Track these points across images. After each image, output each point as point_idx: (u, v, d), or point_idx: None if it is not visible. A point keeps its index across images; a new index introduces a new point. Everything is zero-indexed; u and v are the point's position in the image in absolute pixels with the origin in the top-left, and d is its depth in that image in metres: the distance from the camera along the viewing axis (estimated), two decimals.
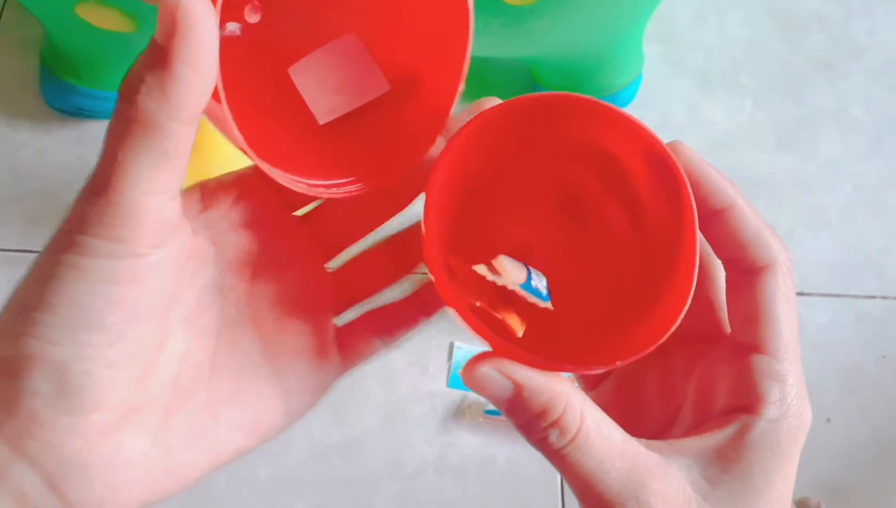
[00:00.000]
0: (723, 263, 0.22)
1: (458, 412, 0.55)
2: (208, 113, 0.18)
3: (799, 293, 0.60)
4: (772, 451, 0.20)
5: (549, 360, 0.20)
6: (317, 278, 0.23)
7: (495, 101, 0.21)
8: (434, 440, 0.55)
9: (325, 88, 0.24)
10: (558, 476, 0.54)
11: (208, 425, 0.20)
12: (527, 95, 0.21)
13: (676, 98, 0.67)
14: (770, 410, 0.20)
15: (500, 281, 0.21)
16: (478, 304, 0.21)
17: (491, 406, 0.54)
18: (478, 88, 0.65)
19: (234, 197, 0.22)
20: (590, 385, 0.26)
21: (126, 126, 0.16)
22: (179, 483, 0.19)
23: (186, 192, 0.21)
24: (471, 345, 0.57)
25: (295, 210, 0.23)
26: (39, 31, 0.63)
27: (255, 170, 0.20)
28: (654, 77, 0.67)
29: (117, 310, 0.17)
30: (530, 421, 0.20)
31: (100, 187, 0.17)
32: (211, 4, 0.17)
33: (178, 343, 0.20)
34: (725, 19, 0.70)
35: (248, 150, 0.19)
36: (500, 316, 0.22)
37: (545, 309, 0.22)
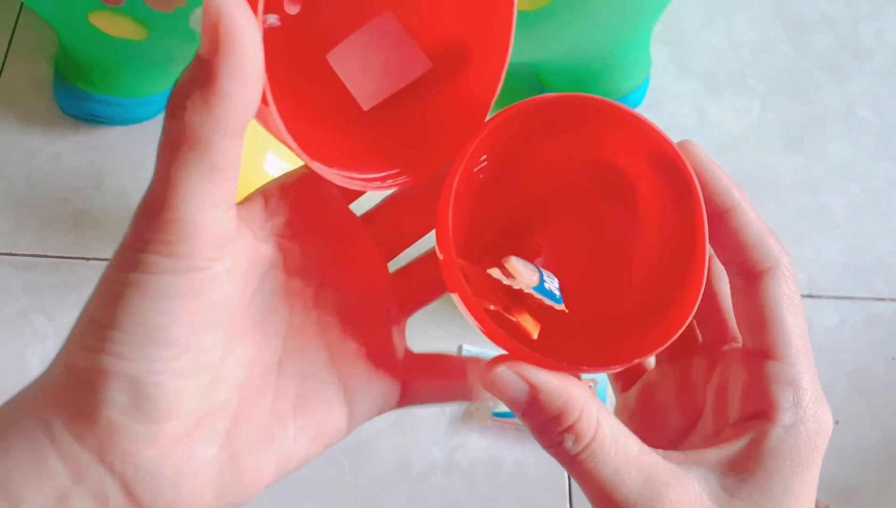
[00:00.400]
0: (724, 267, 0.22)
1: (467, 415, 0.56)
2: (256, 115, 0.18)
3: (807, 296, 0.60)
4: (790, 458, 0.20)
5: (564, 362, 0.20)
6: (381, 283, 0.23)
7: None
8: (442, 443, 0.55)
9: (367, 71, 0.23)
10: (566, 479, 0.54)
11: (275, 430, 0.20)
12: (538, 97, 0.21)
13: (684, 100, 0.67)
14: (785, 416, 0.20)
15: (513, 284, 0.21)
16: (492, 307, 0.21)
17: (499, 409, 0.55)
18: None
19: (296, 200, 0.22)
20: (621, 387, 0.26)
21: (175, 143, 0.17)
22: (248, 491, 0.20)
23: (249, 199, 0.21)
24: (479, 348, 0.57)
25: (351, 203, 0.23)
26: (53, 38, 0.64)
27: (313, 170, 0.20)
28: (662, 79, 0.67)
29: (181, 323, 0.18)
30: (546, 425, 0.20)
31: (156, 205, 0.17)
32: (253, 17, 0.16)
33: (246, 348, 0.20)
34: (733, 21, 0.70)
35: (299, 150, 0.19)
36: (514, 319, 0.22)
37: (559, 311, 0.22)
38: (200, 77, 0.16)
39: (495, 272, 0.21)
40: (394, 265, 0.24)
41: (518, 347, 0.20)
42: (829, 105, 0.67)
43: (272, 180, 0.22)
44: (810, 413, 0.20)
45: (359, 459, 0.55)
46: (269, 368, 0.21)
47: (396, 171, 0.22)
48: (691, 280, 0.21)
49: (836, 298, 0.60)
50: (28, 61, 0.66)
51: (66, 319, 0.58)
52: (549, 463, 0.54)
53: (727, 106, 0.67)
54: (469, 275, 0.21)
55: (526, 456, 0.54)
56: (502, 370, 0.19)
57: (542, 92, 0.65)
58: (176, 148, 0.17)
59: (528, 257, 0.24)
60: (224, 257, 0.18)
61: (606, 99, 0.21)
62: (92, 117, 0.63)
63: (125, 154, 0.63)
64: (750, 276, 0.21)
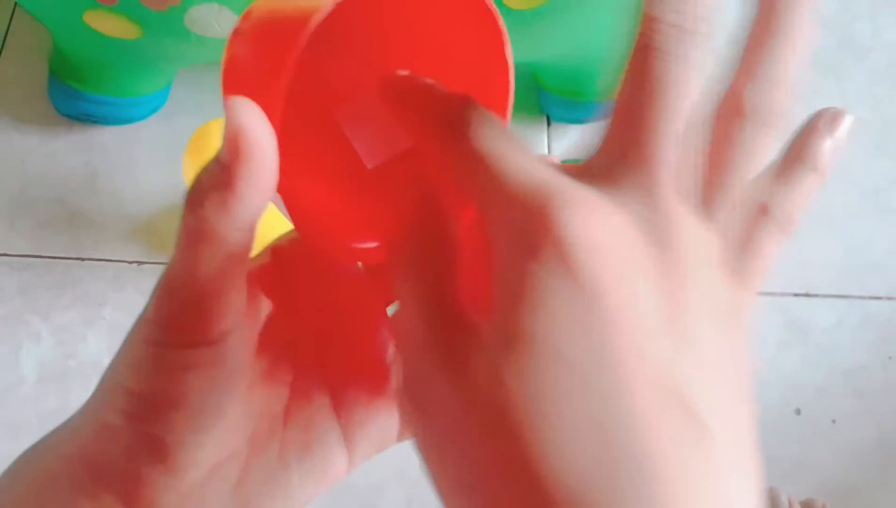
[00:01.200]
0: None
1: None
2: None
3: (804, 295, 0.60)
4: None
5: None
6: (379, 330, 0.24)
7: None
8: None
9: (374, 129, 0.23)
10: None
11: (281, 476, 0.22)
12: None
13: None
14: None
15: None
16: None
17: None
18: None
19: (303, 255, 0.23)
20: None
21: (193, 236, 0.18)
22: None
23: (259, 256, 0.23)
24: None
25: None
26: (48, 38, 0.64)
27: None
28: None
29: (198, 391, 0.19)
30: None
31: (175, 287, 0.19)
32: (271, 127, 0.17)
33: (256, 397, 0.22)
34: (728, 20, 0.70)
35: (301, 226, 0.20)
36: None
37: None
38: (220, 180, 0.18)
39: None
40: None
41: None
42: (826, 104, 0.67)
43: (282, 236, 0.23)
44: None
45: None
46: (277, 417, 0.22)
47: (378, 243, 0.22)
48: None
49: (833, 297, 0.60)
50: (22, 61, 0.66)
51: (60, 319, 0.58)
52: None
53: None
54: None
55: None
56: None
57: (539, 92, 0.65)
58: (194, 240, 0.18)
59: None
60: (237, 329, 0.20)
61: None
62: (86, 117, 0.63)
63: (120, 154, 0.63)
64: None
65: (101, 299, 0.58)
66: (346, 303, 0.24)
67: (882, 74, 0.68)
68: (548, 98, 0.64)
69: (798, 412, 0.57)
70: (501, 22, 0.22)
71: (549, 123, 0.65)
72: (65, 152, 0.63)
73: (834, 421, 0.56)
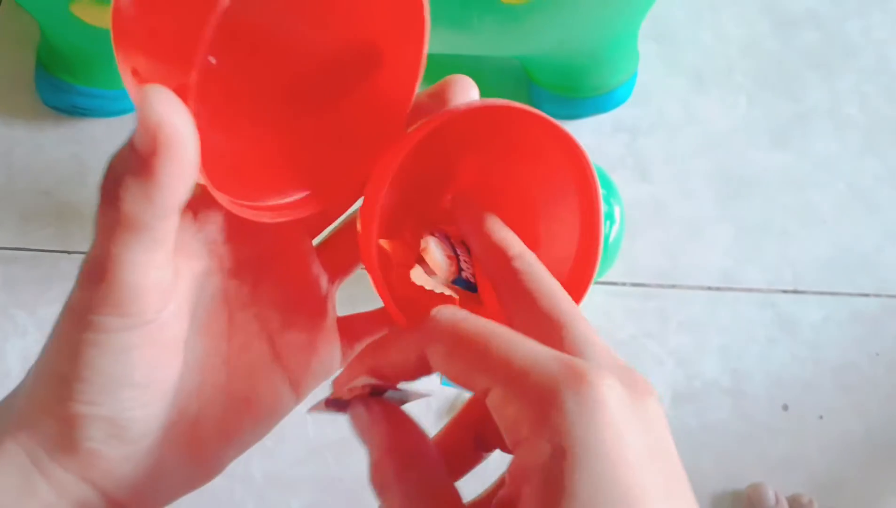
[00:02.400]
0: None
1: (452, 410, 0.55)
2: None
3: (792, 291, 0.61)
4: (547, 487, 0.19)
5: None
6: (309, 262, 0.24)
7: (463, 84, 0.23)
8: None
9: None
10: None
11: (231, 425, 0.23)
12: (460, 107, 0.22)
13: (671, 96, 0.67)
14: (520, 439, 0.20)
15: (435, 287, 0.22)
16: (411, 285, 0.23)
17: None
18: None
19: (222, 206, 0.22)
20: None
21: (113, 226, 0.18)
22: (212, 474, 0.23)
23: (181, 217, 0.22)
24: None
25: None
26: (35, 29, 0.63)
27: None
28: (649, 75, 0.67)
29: (140, 368, 0.20)
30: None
31: (100, 275, 0.18)
32: (189, 115, 0.17)
33: (196, 352, 0.22)
34: (720, 17, 0.70)
35: (219, 194, 0.20)
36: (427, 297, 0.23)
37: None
38: (138, 169, 0.17)
39: (417, 275, 0.22)
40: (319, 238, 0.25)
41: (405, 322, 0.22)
42: (815, 102, 0.67)
43: (196, 189, 0.22)
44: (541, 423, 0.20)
45: (343, 455, 0.54)
46: (219, 370, 0.23)
47: (306, 194, 0.22)
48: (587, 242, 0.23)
49: (821, 293, 0.60)
50: (9, 52, 0.66)
51: (47, 313, 0.57)
52: None
53: (714, 102, 0.67)
54: (387, 248, 0.23)
55: None
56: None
57: (531, 87, 0.64)
58: (115, 230, 0.18)
59: (444, 221, 0.25)
60: (169, 304, 0.20)
61: (519, 105, 0.23)
62: (74, 109, 0.62)
63: (108, 147, 0.62)
64: None
65: None
66: (271, 244, 0.23)
67: (871, 72, 0.69)
68: (539, 93, 0.64)
69: (785, 407, 0.57)
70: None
71: None
72: (52, 145, 0.62)
73: (821, 417, 0.57)
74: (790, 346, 0.59)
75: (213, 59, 0.22)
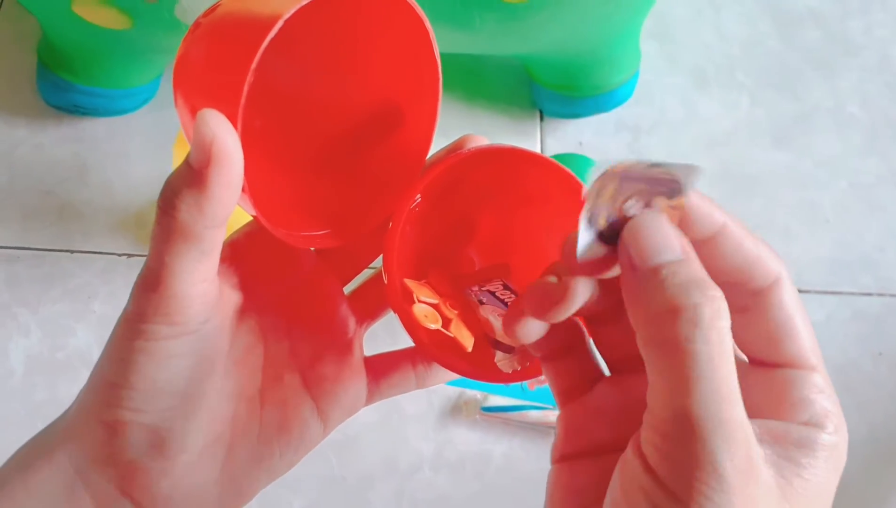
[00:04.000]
0: (724, 289, 0.20)
1: (455, 409, 0.55)
2: None
3: None
4: (836, 467, 0.19)
5: (492, 373, 0.24)
6: (339, 305, 0.26)
7: (477, 140, 0.25)
8: (430, 437, 0.55)
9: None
10: None
11: (263, 452, 0.24)
12: (468, 150, 0.24)
13: (673, 95, 0.67)
14: (831, 426, 0.20)
15: (437, 324, 0.24)
16: (432, 326, 0.25)
17: (488, 403, 0.54)
18: (474, 86, 0.65)
19: (260, 246, 0.25)
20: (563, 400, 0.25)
21: (168, 235, 0.20)
22: (244, 499, 0.24)
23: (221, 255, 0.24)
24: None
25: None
26: (36, 28, 0.63)
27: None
28: (651, 74, 0.67)
29: (183, 377, 0.21)
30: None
31: (153, 284, 0.21)
32: (237, 136, 0.20)
33: (232, 383, 0.24)
34: (722, 16, 0.70)
35: (267, 223, 0.22)
36: (451, 334, 0.25)
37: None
38: (192, 182, 0.19)
39: (420, 312, 0.25)
40: (349, 286, 0.28)
41: (448, 359, 0.23)
42: (817, 100, 0.67)
43: (237, 230, 0.25)
44: (843, 424, 0.20)
45: (346, 454, 0.54)
46: (254, 399, 0.24)
47: (327, 231, 0.25)
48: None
49: (824, 292, 0.60)
50: (10, 51, 0.66)
51: (49, 312, 0.57)
52: (537, 458, 0.54)
53: (716, 101, 0.67)
54: (412, 291, 0.25)
55: (514, 451, 0.54)
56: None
57: (532, 87, 0.65)
58: (169, 239, 0.20)
59: (466, 268, 0.28)
60: (212, 318, 0.22)
61: (525, 149, 0.24)
62: (76, 108, 0.62)
63: (110, 146, 0.62)
64: (756, 293, 0.20)
65: (90, 291, 0.58)
66: (305, 287, 0.26)
67: (873, 70, 0.69)
68: (541, 92, 0.64)
69: None
70: (427, 22, 0.24)
71: (542, 118, 0.65)
72: (53, 144, 0.62)
73: None
74: None
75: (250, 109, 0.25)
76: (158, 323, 0.21)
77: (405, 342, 0.25)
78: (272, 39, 0.20)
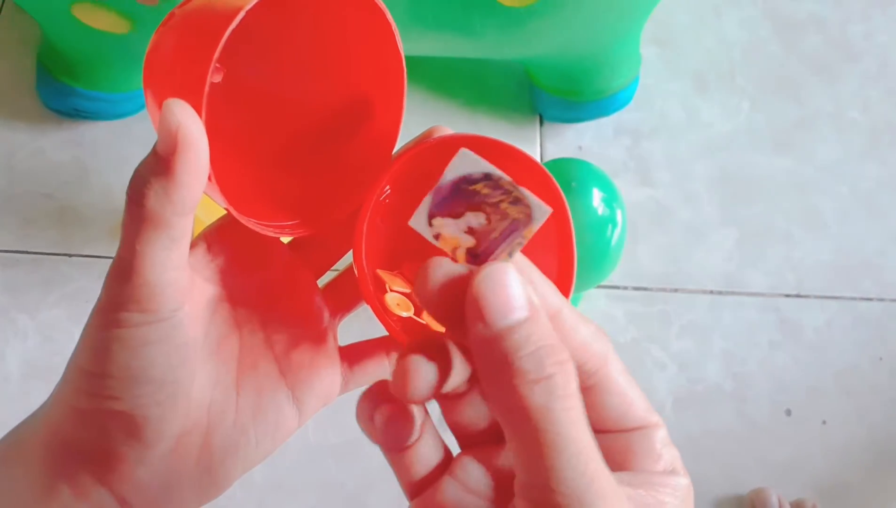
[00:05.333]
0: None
1: None
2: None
3: (795, 295, 0.60)
4: (690, 506, 0.22)
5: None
6: (313, 297, 0.26)
7: (444, 130, 0.25)
8: None
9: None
10: None
11: (240, 439, 0.24)
12: (436, 139, 0.25)
13: (673, 100, 0.67)
14: (683, 470, 0.22)
15: (410, 311, 0.25)
16: (405, 314, 0.25)
17: None
18: (476, 90, 0.65)
19: (233, 239, 0.25)
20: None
21: (138, 223, 0.20)
22: (221, 488, 0.24)
23: (193, 245, 0.24)
24: None
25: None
26: (36, 32, 0.63)
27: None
28: (652, 79, 0.67)
29: (157, 364, 0.22)
30: None
31: (125, 273, 0.21)
32: (202, 124, 0.20)
33: (208, 373, 0.24)
34: (723, 21, 0.70)
35: (235, 211, 0.23)
36: (423, 321, 0.25)
37: None
38: (159, 170, 0.20)
39: (392, 300, 0.25)
40: (323, 280, 0.28)
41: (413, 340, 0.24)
42: (818, 106, 0.67)
43: (211, 224, 0.25)
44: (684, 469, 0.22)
45: (345, 459, 0.54)
46: (229, 387, 0.25)
47: (297, 221, 0.25)
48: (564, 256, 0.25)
49: (824, 297, 0.60)
50: (11, 55, 0.66)
51: (47, 317, 0.57)
52: None
53: (717, 106, 0.67)
54: (384, 283, 0.25)
55: None
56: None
57: (533, 91, 0.64)
58: (139, 228, 0.20)
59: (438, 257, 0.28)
60: (184, 306, 0.22)
61: (495, 139, 0.24)
62: (76, 112, 0.62)
63: (110, 150, 0.62)
64: (591, 374, 0.22)
65: (88, 296, 0.58)
66: (279, 280, 0.26)
67: (874, 76, 0.69)
68: (541, 97, 0.64)
69: (789, 412, 0.57)
70: (391, 21, 0.24)
71: (541, 123, 0.65)
72: (53, 148, 0.62)
73: (824, 422, 0.56)
74: (793, 350, 0.59)
75: (217, 77, 0.25)
76: (131, 311, 0.21)
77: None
78: (236, 31, 0.20)
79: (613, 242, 0.47)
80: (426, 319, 0.25)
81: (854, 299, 0.60)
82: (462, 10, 0.51)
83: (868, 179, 0.65)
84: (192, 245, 0.25)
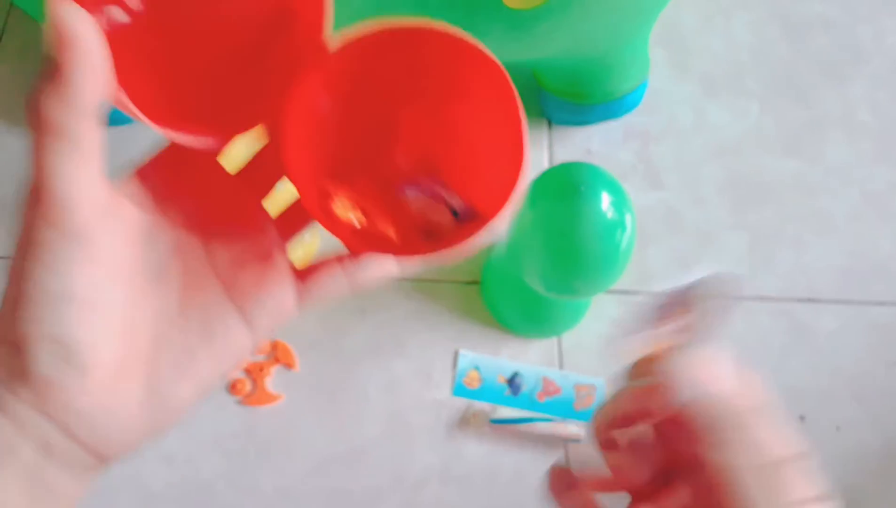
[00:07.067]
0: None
1: (463, 421, 0.55)
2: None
3: (807, 300, 0.60)
4: None
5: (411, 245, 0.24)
6: (258, 218, 0.26)
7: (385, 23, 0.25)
8: (438, 450, 0.54)
9: None
10: None
11: (187, 361, 0.24)
12: (371, 30, 0.24)
13: (682, 103, 0.66)
14: None
15: (358, 220, 0.25)
16: (353, 220, 0.25)
17: (496, 415, 0.54)
18: None
19: (169, 168, 0.25)
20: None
21: (40, 136, 0.20)
22: (173, 416, 0.24)
23: (126, 177, 0.25)
24: (476, 352, 0.56)
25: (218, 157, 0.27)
26: (39, 38, 0.63)
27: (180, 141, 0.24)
28: (660, 81, 0.66)
29: (79, 283, 0.21)
30: None
31: (35, 193, 0.21)
32: (91, 19, 0.20)
33: (151, 299, 0.24)
34: (731, 23, 0.70)
35: (149, 120, 0.23)
36: (375, 227, 0.26)
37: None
38: (50, 74, 0.20)
39: (339, 207, 0.25)
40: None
41: (373, 246, 0.25)
42: (827, 108, 0.67)
43: (145, 156, 0.25)
44: None
45: (353, 467, 0.54)
46: (174, 313, 0.24)
47: (214, 130, 0.25)
48: (513, 164, 0.25)
49: (836, 302, 0.60)
50: (14, 61, 0.65)
51: None
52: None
53: (725, 108, 0.66)
54: (331, 192, 0.25)
55: (524, 464, 0.54)
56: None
57: (539, 93, 0.64)
58: (41, 140, 0.20)
59: (391, 169, 0.28)
60: (106, 225, 0.22)
61: (434, 27, 0.24)
62: None
63: (112, 155, 0.62)
64: None
65: None
66: (219, 202, 0.26)
67: (884, 78, 0.68)
68: (549, 100, 0.63)
69: (802, 418, 0.56)
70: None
71: (549, 126, 0.64)
72: None
73: (838, 428, 0.56)
74: (806, 356, 0.58)
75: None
76: (45, 229, 0.21)
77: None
78: None
79: (623, 246, 0.46)
80: (378, 224, 0.25)
81: (867, 303, 0.60)
82: (467, 13, 0.51)
83: (879, 181, 0.64)
84: (126, 177, 0.25)
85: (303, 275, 0.27)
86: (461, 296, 0.58)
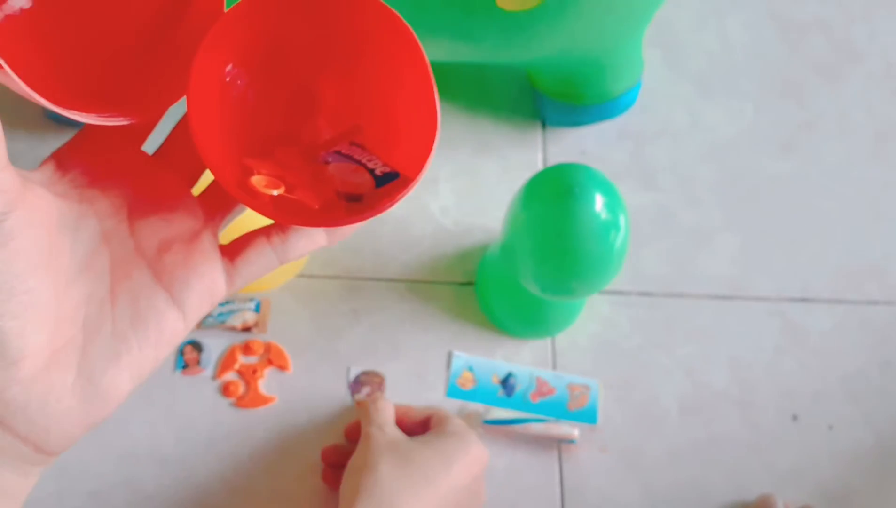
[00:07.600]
0: None
1: None
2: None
3: (801, 299, 0.60)
4: None
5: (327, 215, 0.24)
6: (184, 202, 0.27)
7: None
8: None
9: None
10: (558, 487, 0.53)
11: (120, 348, 0.24)
12: None
13: (677, 103, 0.66)
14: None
15: (280, 190, 0.25)
16: (276, 193, 0.25)
17: (490, 416, 0.54)
18: (476, 94, 0.65)
19: (87, 154, 0.25)
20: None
21: None
22: (111, 403, 0.24)
23: (42, 164, 0.25)
24: (469, 353, 0.56)
25: (141, 145, 0.27)
26: None
27: (98, 127, 0.24)
28: (655, 82, 0.66)
29: (1, 275, 0.21)
30: None
31: None
32: None
33: (80, 288, 0.24)
34: (725, 23, 0.70)
35: (44, 100, 0.22)
36: (296, 197, 0.26)
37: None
38: None
39: (259, 182, 0.25)
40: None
41: (296, 218, 0.25)
42: (822, 108, 0.67)
43: (64, 144, 0.25)
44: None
45: None
46: (104, 300, 0.24)
47: (118, 109, 0.25)
48: (428, 121, 0.25)
49: (830, 301, 0.60)
50: None
51: None
52: (541, 471, 0.54)
53: (720, 109, 0.66)
54: (251, 166, 0.25)
55: (517, 463, 0.54)
56: None
57: (534, 95, 0.64)
58: None
59: (313, 138, 0.28)
60: (17, 212, 0.21)
61: None
62: (76, 121, 0.62)
63: None
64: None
65: None
66: (142, 188, 0.26)
67: (878, 78, 0.68)
68: (543, 102, 0.63)
69: (795, 417, 0.56)
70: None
71: (544, 127, 0.65)
72: None
73: (831, 427, 0.56)
74: (799, 355, 0.58)
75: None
76: None
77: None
78: None
79: (617, 247, 0.46)
80: (298, 194, 0.25)
81: (860, 303, 0.60)
82: (462, 15, 0.51)
83: (873, 181, 0.64)
84: (42, 164, 0.25)
85: (231, 253, 0.27)
86: (455, 297, 0.58)
